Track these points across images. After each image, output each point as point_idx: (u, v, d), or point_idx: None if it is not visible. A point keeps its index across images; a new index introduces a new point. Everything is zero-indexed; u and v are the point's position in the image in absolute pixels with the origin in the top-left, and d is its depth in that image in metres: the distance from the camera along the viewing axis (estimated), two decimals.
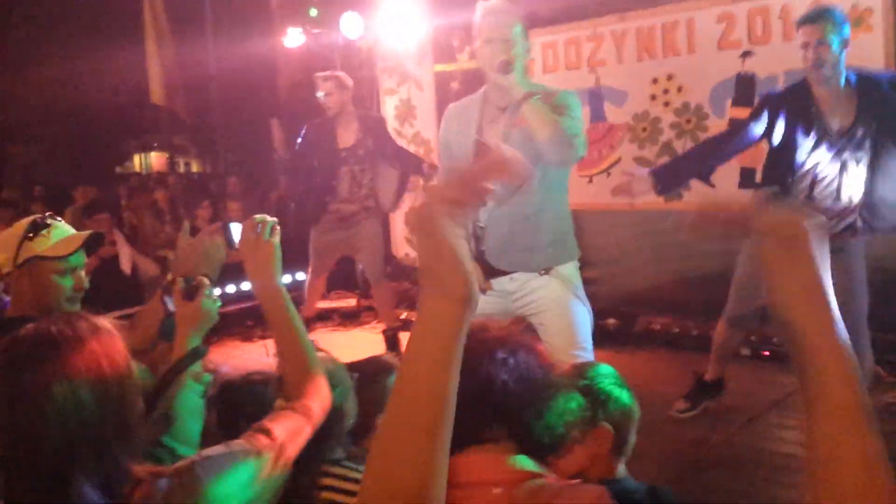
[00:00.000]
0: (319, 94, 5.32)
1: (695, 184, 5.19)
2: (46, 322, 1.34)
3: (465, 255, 0.91)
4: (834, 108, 3.45)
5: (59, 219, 2.32)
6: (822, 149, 3.47)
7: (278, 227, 1.85)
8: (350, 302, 7.19)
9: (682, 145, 5.33)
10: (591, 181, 5.81)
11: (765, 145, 3.75)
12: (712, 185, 5.04)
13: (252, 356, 5.86)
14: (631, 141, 5.59)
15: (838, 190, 3.50)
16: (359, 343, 6.29)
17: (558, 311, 3.09)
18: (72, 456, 1.26)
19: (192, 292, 1.99)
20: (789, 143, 3.51)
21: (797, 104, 3.51)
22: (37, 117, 11.07)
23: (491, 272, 3.08)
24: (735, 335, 4.10)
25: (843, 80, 3.42)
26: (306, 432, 1.63)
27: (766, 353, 4.96)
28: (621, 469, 1.86)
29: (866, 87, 3.43)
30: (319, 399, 1.71)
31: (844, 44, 3.37)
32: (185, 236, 2.10)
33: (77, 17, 10.58)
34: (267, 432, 1.54)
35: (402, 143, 6.97)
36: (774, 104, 3.61)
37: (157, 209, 8.03)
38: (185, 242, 2.12)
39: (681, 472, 3.64)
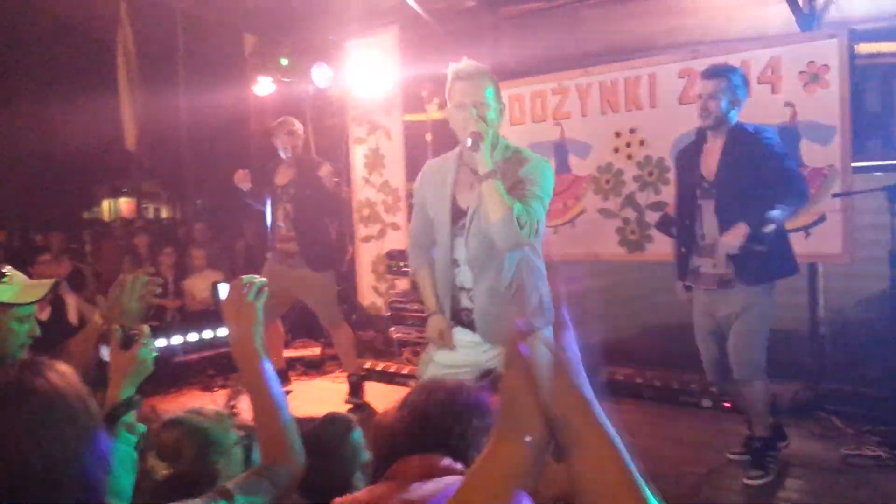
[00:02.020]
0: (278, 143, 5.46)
1: (658, 237, 5.28)
2: (15, 370, 1.33)
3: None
4: (710, 159, 3.71)
5: (9, 268, 2.28)
6: (698, 196, 3.73)
7: (266, 290, 1.80)
8: (314, 351, 7.10)
9: (645, 198, 5.39)
10: (556, 231, 5.84)
11: None
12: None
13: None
14: (595, 192, 5.65)
15: (721, 232, 3.65)
16: (323, 393, 6.20)
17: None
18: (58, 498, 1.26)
19: (128, 341, 1.95)
20: (683, 190, 3.85)
21: (690, 153, 3.83)
22: (5, 162, 11.00)
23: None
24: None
25: (725, 134, 3.67)
26: (269, 497, 1.59)
27: (728, 404, 4.95)
28: None
29: (737, 138, 3.65)
30: (291, 465, 1.67)
31: (734, 103, 3.63)
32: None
33: (50, 63, 10.61)
34: (227, 494, 1.51)
35: (370, 191, 7.03)
36: (680, 154, 3.97)
37: (136, 255, 7.96)
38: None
39: None
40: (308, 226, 5.43)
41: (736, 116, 3.67)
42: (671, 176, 5.25)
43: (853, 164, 4.57)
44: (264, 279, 1.80)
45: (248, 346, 1.73)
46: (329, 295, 5.60)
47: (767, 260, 3.64)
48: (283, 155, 5.48)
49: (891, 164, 4.55)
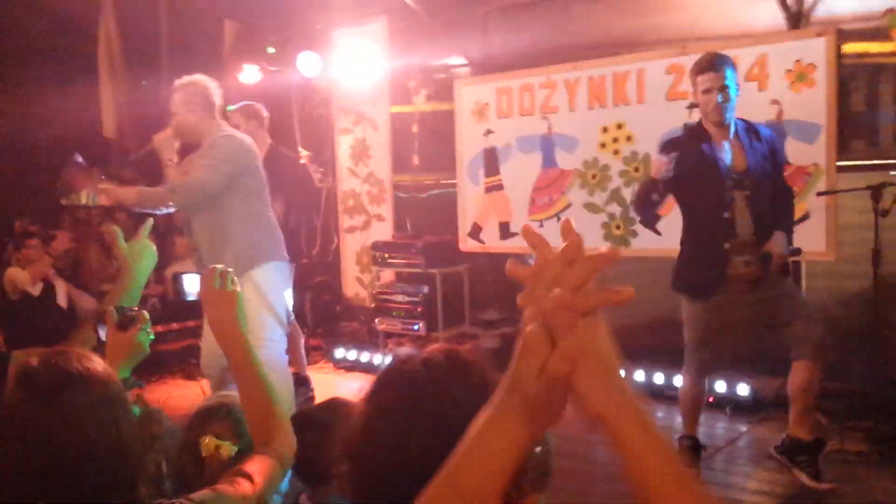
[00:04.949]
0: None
1: (643, 232, 5.32)
2: (67, 358, 1.36)
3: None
4: (727, 151, 3.60)
5: None
6: (729, 188, 3.58)
7: (237, 278, 1.86)
8: None
9: (631, 193, 5.40)
10: (542, 226, 5.85)
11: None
12: (658, 233, 5.18)
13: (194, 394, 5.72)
14: (581, 187, 5.66)
15: (754, 227, 3.59)
16: None
17: (249, 312, 3.60)
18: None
19: (126, 323, 1.95)
20: (694, 185, 3.59)
21: (699, 146, 3.61)
22: None
23: None
24: (703, 386, 3.99)
25: (733, 128, 3.61)
26: (279, 476, 1.64)
27: (710, 399, 4.99)
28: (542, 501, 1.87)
29: (751, 135, 3.63)
30: (287, 441, 1.71)
31: (737, 91, 3.58)
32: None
33: (29, 50, 10.44)
34: (248, 476, 1.54)
35: (355, 182, 7.01)
36: (677, 147, 3.66)
37: (104, 243, 7.85)
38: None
39: None
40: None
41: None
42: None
43: (837, 164, 4.62)
44: (231, 268, 1.84)
45: (231, 331, 1.76)
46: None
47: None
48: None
49: (875, 164, 4.60)
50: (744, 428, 4.63)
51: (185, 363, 6.55)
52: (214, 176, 3.84)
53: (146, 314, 2.01)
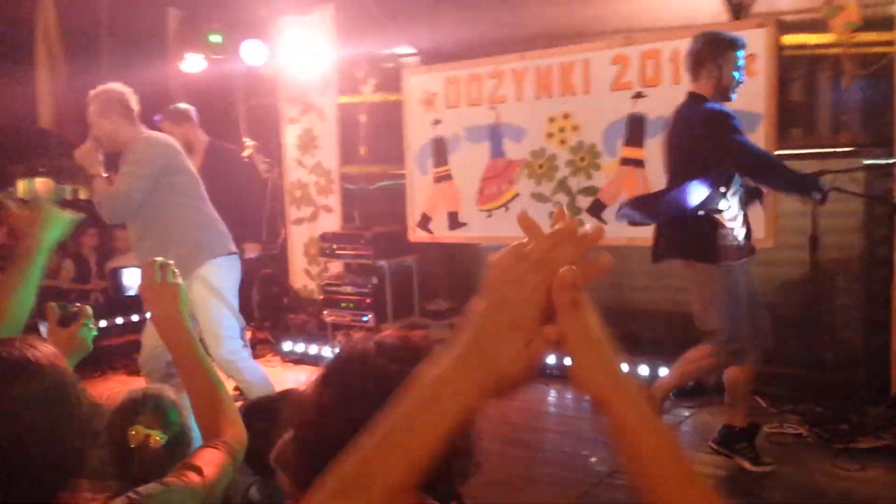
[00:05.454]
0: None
1: (589, 222, 5.36)
2: (16, 346, 1.31)
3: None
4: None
5: None
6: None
7: (183, 278, 1.83)
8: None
9: (577, 182, 5.46)
10: (490, 216, 5.88)
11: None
12: (604, 222, 5.23)
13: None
14: (528, 177, 5.69)
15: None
16: None
17: (204, 311, 3.79)
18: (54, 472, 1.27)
19: (68, 319, 1.93)
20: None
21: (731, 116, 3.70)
22: None
23: None
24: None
25: None
26: (229, 468, 1.61)
27: None
28: None
29: None
30: (237, 432, 1.68)
31: None
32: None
33: None
34: (198, 470, 1.52)
35: (302, 172, 6.94)
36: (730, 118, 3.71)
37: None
38: None
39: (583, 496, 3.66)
40: None
41: None
42: (601, 161, 5.35)
43: (776, 153, 4.71)
44: (171, 261, 1.80)
45: (174, 323, 1.72)
46: None
47: None
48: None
49: (813, 153, 4.71)
50: (686, 413, 4.71)
51: (128, 358, 6.41)
52: (136, 183, 3.77)
53: (89, 309, 1.98)
